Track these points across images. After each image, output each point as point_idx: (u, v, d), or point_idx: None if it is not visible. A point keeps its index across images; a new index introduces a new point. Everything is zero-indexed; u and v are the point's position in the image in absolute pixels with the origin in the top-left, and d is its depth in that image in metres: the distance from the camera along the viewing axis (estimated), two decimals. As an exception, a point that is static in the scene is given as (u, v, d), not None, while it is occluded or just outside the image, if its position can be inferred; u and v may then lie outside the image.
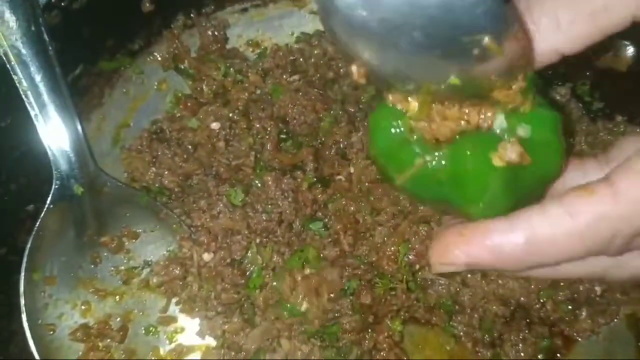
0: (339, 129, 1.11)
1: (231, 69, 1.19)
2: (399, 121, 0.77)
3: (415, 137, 0.77)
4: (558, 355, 1.10)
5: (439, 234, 0.82)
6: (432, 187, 0.78)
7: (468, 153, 0.73)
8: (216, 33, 1.23)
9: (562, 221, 0.68)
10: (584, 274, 0.82)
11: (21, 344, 0.95)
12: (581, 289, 1.06)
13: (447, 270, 0.75)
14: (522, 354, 1.05)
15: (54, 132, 0.95)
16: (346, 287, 1.03)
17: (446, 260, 0.73)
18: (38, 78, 0.92)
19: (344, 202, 1.06)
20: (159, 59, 1.20)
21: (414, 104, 0.74)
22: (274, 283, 1.01)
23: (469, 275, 1.05)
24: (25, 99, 0.92)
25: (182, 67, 1.22)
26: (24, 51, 0.90)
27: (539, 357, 1.06)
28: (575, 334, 1.08)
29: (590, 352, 1.10)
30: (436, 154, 0.76)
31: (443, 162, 0.76)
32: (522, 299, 1.06)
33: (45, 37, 0.93)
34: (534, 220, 0.68)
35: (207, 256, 1.01)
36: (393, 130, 0.78)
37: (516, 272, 0.77)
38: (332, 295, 1.01)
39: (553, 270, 0.78)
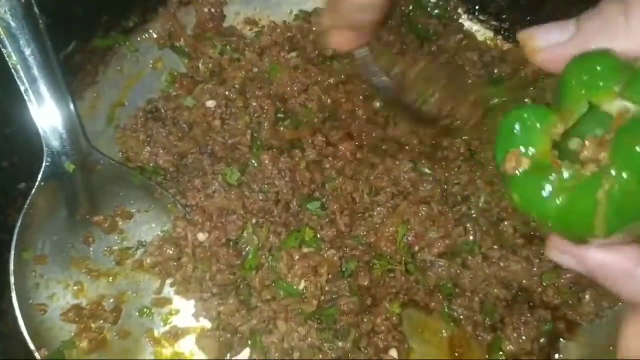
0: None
1: (227, 47, 1.16)
2: None
3: None
4: (561, 339, 1.08)
5: None
6: None
7: None
8: (213, 10, 1.20)
9: (615, 259, 0.64)
10: None
11: (11, 324, 0.93)
12: (585, 272, 1.03)
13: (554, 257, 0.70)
14: (523, 338, 1.03)
15: (45, 108, 0.93)
16: (344, 269, 1.01)
17: (559, 248, 0.68)
18: (27, 52, 0.89)
19: (341, 181, 1.03)
20: (155, 36, 1.18)
21: None
22: (271, 263, 0.99)
23: (469, 258, 1.03)
24: (14, 73, 0.90)
25: (178, 45, 1.19)
26: (12, 23, 0.88)
27: (541, 340, 1.04)
28: (578, 317, 1.06)
29: (594, 336, 1.07)
30: None
31: None
32: (524, 282, 1.04)
33: (35, 9, 0.90)
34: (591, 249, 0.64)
35: (201, 236, 0.99)
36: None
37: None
38: (330, 276, 0.99)
39: None
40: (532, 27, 0.64)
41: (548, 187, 0.57)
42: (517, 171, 0.58)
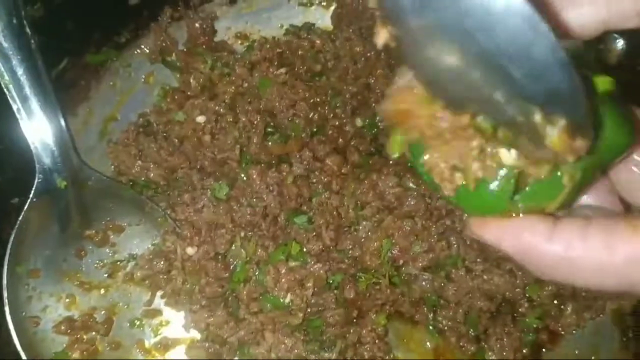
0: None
1: (218, 62, 1.18)
2: None
3: None
4: (543, 349, 1.10)
5: None
6: None
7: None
8: (204, 26, 1.22)
9: (599, 254, 0.64)
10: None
11: (4, 336, 0.95)
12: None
13: (476, 234, 0.72)
14: (507, 349, 1.05)
15: (37, 126, 0.95)
16: (330, 281, 1.03)
17: (479, 230, 0.70)
18: (20, 71, 0.92)
19: (327, 196, 1.05)
20: (147, 51, 1.20)
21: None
22: (258, 277, 1.01)
23: (453, 271, 1.05)
24: (7, 93, 0.92)
25: (170, 59, 1.21)
26: (5, 44, 0.90)
27: (524, 351, 1.06)
28: (560, 328, 1.08)
29: (576, 347, 1.10)
30: None
31: None
32: (507, 294, 1.06)
33: (27, 30, 0.92)
34: (574, 243, 0.65)
35: (190, 250, 1.01)
36: None
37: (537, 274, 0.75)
38: (316, 289, 1.01)
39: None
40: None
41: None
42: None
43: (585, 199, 0.73)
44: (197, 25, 1.22)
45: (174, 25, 1.21)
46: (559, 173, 0.63)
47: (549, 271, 0.69)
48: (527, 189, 0.65)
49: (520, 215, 0.67)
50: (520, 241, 0.68)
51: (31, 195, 0.97)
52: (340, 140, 1.13)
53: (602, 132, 0.62)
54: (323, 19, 1.29)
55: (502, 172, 0.63)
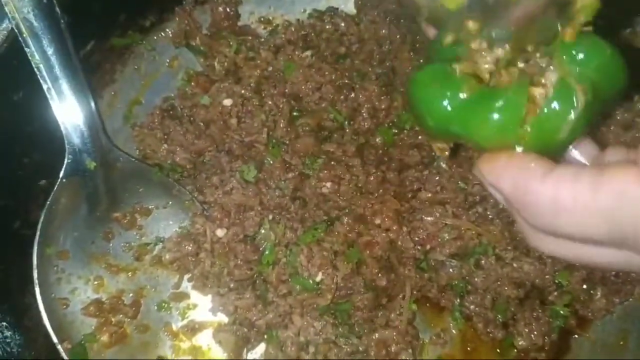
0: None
1: (243, 45, 1.18)
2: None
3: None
4: (575, 335, 1.09)
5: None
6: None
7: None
8: (228, 10, 1.21)
9: (584, 194, 0.64)
10: (609, 265, 0.76)
11: (35, 318, 0.95)
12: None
13: (481, 172, 0.75)
14: (535, 333, 1.04)
15: (66, 106, 0.95)
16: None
17: (486, 166, 0.73)
18: (50, 51, 0.91)
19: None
20: (171, 35, 1.19)
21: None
22: (289, 258, 1.01)
23: (482, 259, 1.04)
24: (37, 72, 0.92)
25: (194, 44, 1.20)
26: (35, 24, 0.89)
27: (553, 336, 1.05)
28: (589, 313, 1.07)
29: (605, 332, 1.09)
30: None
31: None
32: (537, 281, 1.05)
33: (57, 9, 0.92)
34: (564, 183, 0.65)
35: (220, 232, 1.01)
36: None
37: (535, 229, 0.73)
38: (347, 270, 1.00)
39: (575, 251, 0.75)
40: None
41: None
42: None
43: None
44: (220, 9, 1.21)
45: (198, 9, 1.20)
46: (571, 84, 0.68)
47: (538, 215, 0.68)
48: (537, 112, 0.69)
49: (527, 148, 0.70)
50: (516, 180, 0.69)
51: (61, 176, 0.97)
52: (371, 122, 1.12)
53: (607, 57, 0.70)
54: (346, 4, 1.27)
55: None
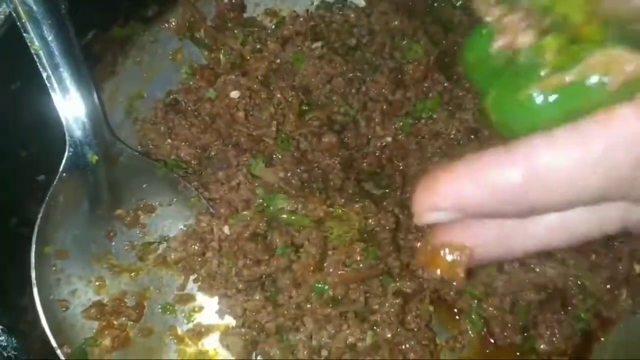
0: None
1: (249, 37, 1.13)
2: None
3: None
4: (595, 338, 1.05)
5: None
6: None
7: None
8: (233, 0, 1.17)
9: (573, 148, 0.55)
10: (600, 228, 0.65)
11: (32, 320, 0.90)
12: (620, 268, 1.01)
13: (433, 219, 0.60)
14: (557, 336, 1.00)
15: (67, 96, 0.90)
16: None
17: (430, 203, 0.59)
18: (50, 37, 0.86)
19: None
20: (174, 26, 1.15)
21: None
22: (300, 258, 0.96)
23: (505, 263, 0.99)
24: (37, 60, 0.87)
25: (198, 36, 1.16)
26: (35, 7, 0.85)
27: (576, 339, 1.01)
28: (614, 315, 1.03)
29: (628, 334, 1.05)
30: None
31: None
32: (559, 284, 1.01)
33: (57, -7, 0.87)
34: (539, 148, 0.56)
35: (227, 229, 0.96)
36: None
37: (518, 215, 0.64)
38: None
39: (562, 230, 0.66)
40: None
41: None
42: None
43: None
44: (225, 0, 1.17)
45: (202, 0, 1.16)
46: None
47: (522, 200, 0.57)
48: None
49: None
50: (484, 178, 0.57)
51: (61, 169, 0.93)
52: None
53: None
54: (356, -5, 1.24)
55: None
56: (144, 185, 1.01)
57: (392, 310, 0.97)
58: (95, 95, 0.94)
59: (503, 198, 0.58)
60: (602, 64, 0.53)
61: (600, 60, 0.53)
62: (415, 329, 0.99)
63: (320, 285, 0.94)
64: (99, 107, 0.95)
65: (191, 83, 1.13)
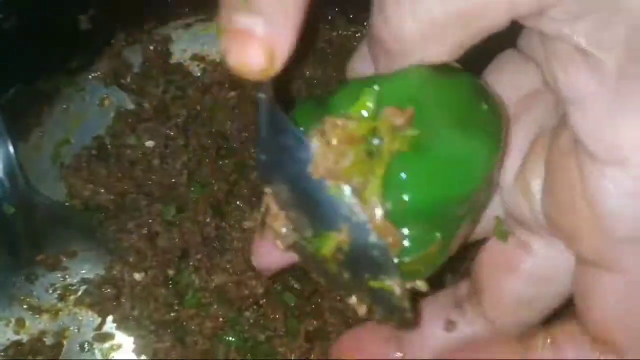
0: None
1: (171, 85, 1.19)
2: None
3: None
4: None
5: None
6: None
7: None
8: (159, 48, 1.23)
9: None
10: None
11: (-51, 364, 0.96)
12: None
13: None
14: None
15: (-20, 158, 0.96)
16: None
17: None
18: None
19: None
20: (100, 75, 1.20)
21: None
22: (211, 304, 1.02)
23: None
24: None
25: (125, 82, 1.21)
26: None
27: None
28: None
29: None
30: None
31: None
32: None
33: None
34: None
35: (138, 276, 1.02)
36: None
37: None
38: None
39: None
40: None
41: None
42: None
43: None
44: (151, 48, 1.22)
45: (128, 49, 1.21)
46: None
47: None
48: None
49: None
50: None
51: (-24, 223, 0.98)
52: None
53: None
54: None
55: None
56: (63, 233, 1.07)
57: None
58: (11, 151, 0.99)
59: None
60: None
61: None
62: None
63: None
64: (16, 163, 1.00)
65: (117, 128, 1.19)
